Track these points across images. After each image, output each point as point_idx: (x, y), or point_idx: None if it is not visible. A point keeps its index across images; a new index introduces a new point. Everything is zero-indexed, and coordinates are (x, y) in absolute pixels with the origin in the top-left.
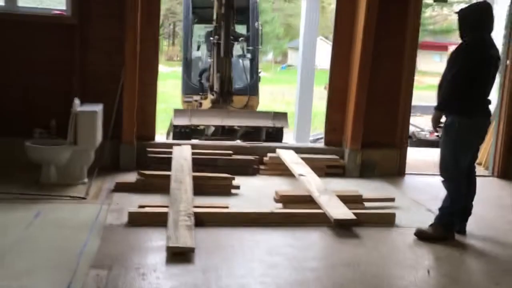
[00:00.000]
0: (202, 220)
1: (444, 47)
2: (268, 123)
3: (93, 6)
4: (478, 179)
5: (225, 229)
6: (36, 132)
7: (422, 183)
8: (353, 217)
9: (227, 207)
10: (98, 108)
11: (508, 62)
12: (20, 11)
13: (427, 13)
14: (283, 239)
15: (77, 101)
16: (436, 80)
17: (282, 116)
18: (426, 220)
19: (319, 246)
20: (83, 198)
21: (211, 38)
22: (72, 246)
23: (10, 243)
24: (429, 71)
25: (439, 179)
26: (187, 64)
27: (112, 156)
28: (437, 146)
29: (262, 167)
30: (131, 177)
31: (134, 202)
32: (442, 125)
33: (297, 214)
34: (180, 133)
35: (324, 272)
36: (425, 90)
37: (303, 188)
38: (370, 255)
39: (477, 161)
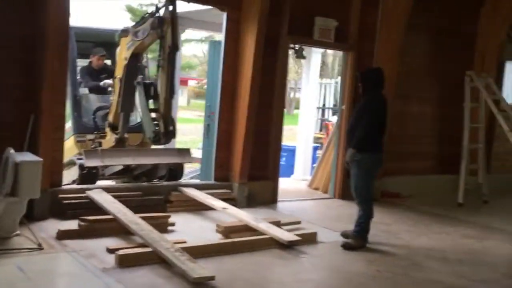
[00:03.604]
0: None
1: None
2: (174, 159)
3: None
4: (324, 202)
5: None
6: None
7: (295, 207)
8: (299, 238)
9: (185, 242)
10: (35, 157)
11: (343, 107)
12: None
13: None
14: (259, 259)
15: (11, 150)
16: None
17: (186, 152)
18: (328, 235)
19: (285, 261)
20: (41, 249)
21: (140, 77)
22: None
23: None
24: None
25: (355, 201)
26: (76, 102)
27: None
28: None
29: (168, 204)
30: (55, 224)
31: (96, 246)
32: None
33: (252, 241)
34: (87, 174)
35: (303, 276)
36: None
37: (234, 219)
38: (326, 263)
39: (314, 186)
